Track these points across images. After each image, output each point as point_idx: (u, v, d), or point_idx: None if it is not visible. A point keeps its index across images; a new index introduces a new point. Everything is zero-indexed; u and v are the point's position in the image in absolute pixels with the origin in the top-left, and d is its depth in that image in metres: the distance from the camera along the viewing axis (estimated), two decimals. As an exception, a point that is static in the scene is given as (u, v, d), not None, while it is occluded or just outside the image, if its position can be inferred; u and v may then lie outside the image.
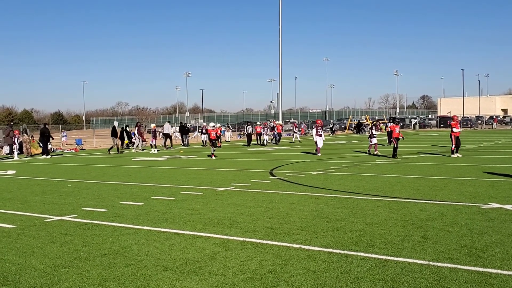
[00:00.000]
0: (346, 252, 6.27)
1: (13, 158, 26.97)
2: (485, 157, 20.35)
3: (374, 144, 23.20)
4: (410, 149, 25.81)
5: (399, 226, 7.64)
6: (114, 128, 30.42)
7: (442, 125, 73.43)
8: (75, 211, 9.66)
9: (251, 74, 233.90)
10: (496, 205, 9.16)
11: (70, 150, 33.46)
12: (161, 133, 37.57)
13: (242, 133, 57.30)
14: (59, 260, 6.24)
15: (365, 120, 65.83)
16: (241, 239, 7.07)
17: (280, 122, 40.22)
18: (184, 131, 36.85)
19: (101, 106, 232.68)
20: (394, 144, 20.71)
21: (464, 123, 67.63)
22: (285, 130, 56.55)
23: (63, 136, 47.39)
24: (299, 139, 39.13)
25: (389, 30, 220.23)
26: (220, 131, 32.99)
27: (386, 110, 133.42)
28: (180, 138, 37.61)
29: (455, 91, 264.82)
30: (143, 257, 6.31)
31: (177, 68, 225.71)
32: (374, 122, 23.36)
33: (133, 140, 32.33)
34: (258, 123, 39.54)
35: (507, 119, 78.45)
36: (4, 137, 31.57)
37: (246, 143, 35.61)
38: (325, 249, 6.41)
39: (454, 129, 20.56)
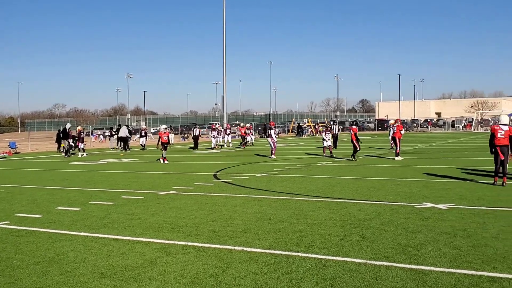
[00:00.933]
0: (287, 253, 6.34)
1: None
2: (420, 159, 21.20)
3: (328, 146, 23.38)
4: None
5: (338, 226, 7.81)
6: (65, 129, 29.27)
7: (379, 128, 75.88)
8: (8, 218, 9.23)
9: (196, 76, 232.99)
10: (429, 205, 9.54)
11: (3, 153, 31.95)
12: (113, 136, 36.33)
13: (186, 135, 56.72)
14: (-11, 270, 5.94)
15: (307, 123, 67.07)
16: (183, 243, 7.00)
17: (243, 124, 37.82)
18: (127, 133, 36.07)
19: (37, 108, 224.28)
20: (358, 147, 20.78)
21: (401, 126, 70.06)
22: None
23: (-5, 139, 45.26)
24: (253, 141, 38.83)
25: (330, 35, 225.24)
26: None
27: (328, 114, 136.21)
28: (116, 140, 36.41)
29: (392, 95, 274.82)
30: (79, 264, 6.12)
31: (118, 69, 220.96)
32: (326, 126, 23.53)
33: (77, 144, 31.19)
34: (241, 124, 37.87)
35: (441, 122, 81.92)
36: None
37: (192, 145, 35.00)
38: (267, 251, 6.46)
39: (402, 131, 21.42)
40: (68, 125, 30.13)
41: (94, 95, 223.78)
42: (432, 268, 5.58)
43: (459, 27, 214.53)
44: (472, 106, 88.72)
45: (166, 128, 23.62)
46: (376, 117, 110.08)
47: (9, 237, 7.64)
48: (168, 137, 23.58)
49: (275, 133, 24.05)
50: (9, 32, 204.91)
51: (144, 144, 35.20)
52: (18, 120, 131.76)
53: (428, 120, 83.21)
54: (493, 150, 12.22)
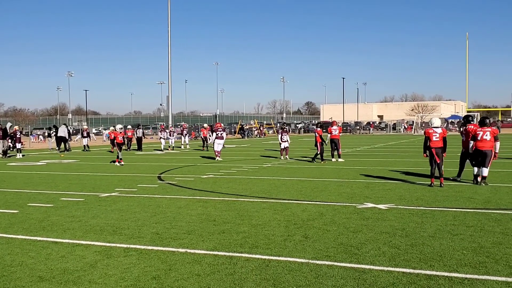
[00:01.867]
0: (231, 254, 6.35)
1: None
2: (362, 160, 21.77)
3: (285, 148, 22.60)
4: (295, 153, 26.80)
5: (282, 227, 7.90)
6: (5, 129, 27.83)
7: (324, 131, 77.21)
8: None
9: (140, 76, 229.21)
10: (370, 205, 9.82)
11: None
12: (50, 137, 34.61)
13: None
14: None
15: (254, 124, 67.45)
16: (125, 245, 6.86)
17: (206, 125, 34.03)
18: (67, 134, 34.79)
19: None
20: (318, 149, 20.44)
21: (344, 128, 71.69)
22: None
23: None
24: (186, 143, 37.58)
25: (276, 38, 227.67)
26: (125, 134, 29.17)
27: (274, 115, 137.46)
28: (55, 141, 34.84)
29: (336, 98, 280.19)
30: (16, 268, 5.89)
31: (59, 67, 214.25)
32: (283, 127, 23.03)
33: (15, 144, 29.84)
34: (205, 125, 33.53)
35: (383, 125, 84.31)
36: None
37: (136, 147, 33.76)
38: (211, 252, 6.44)
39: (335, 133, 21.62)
40: (8, 125, 28.85)
41: (34, 94, 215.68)
42: (371, 267, 5.73)
43: (400, 31, 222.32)
44: (413, 109, 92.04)
45: (122, 128, 22.11)
46: (321, 119, 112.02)
47: None
48: (123, 137, 22.00)
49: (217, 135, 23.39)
50: None
51: (87, 145, 33.81)
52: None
53: (371, 123, 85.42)
54: (428, 152, 12.68)
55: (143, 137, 34.21)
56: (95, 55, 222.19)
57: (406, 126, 77.30)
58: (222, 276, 5.47)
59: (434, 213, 8.93)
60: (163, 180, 14.73)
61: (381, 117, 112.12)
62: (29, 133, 58.12)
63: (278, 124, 74.23)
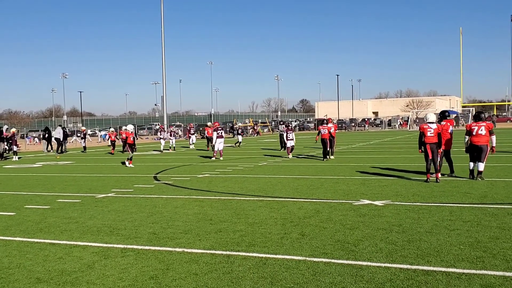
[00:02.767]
0: (228, 252, 6.36)
1: None
2: (358, 157, 21.80)
3: (290, 147, 22.68)
4: (295, 152, 26.77)
5: (279, 225, 7.92)
6: (1, 132, 27.72)
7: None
8: None
9: (134, 77, 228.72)
10: (366, 202, 9.84)
11: None
12: (45, 139, 34.44)
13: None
14: None
15: (248, 123, 67.46)
16: (122, 246, 6.86)
17: (210, 124, 32.26)
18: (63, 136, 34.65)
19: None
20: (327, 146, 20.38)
21: (340, 125, 71.78)
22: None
23: None
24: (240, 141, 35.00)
25: (270, 36, 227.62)
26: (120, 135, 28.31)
27: (269, 114, 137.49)
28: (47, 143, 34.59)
29: (331, 95, 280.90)
30: (14, 269, 5.89)
31: (53, 69, 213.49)
32: (287, 125, 22.89)
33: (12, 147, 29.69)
34: (209, 124, 31.83)
35: (378, 121, 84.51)
36: None
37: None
38: (208, 251, 6.45)
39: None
40: (5, 127, 28.74)
41: (28, 96, 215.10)
42: (369, 263, 5.75)
43: (395, 28, 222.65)
44: (407, 105, 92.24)
45: (133, 128, 21.17)
46: (316, 117, 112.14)
47: None
48: (134, 137, 20.68)
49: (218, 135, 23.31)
50: None
51: (85, 147, 33.64)
52: None
53: (366, 119, 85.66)
54: (423, 148, 12.72)
55: (135, 138, 33.68)
56: (89, 56, 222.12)
57: (401, 122, 77.49)
58: (219, 275, 5.47)
59: (431, 209, 8.96)
60: (159, 180, 14.72)
61: (376, 113, 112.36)
62: (25, 135, 57.92)
63: (273, 123, 74.27)
